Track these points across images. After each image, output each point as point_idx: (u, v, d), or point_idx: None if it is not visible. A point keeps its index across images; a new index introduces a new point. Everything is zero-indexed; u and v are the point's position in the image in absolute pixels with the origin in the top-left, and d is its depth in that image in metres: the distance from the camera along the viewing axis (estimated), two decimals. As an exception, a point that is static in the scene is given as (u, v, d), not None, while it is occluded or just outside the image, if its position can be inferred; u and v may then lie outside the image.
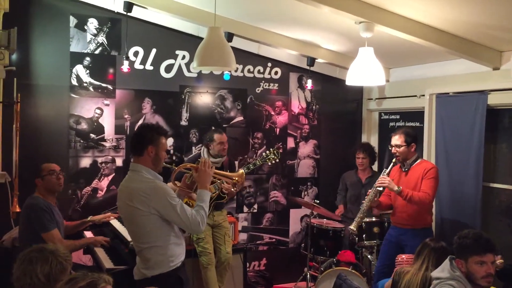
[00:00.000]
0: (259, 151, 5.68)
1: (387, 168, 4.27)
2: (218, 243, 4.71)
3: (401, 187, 4.03)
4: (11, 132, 4.08)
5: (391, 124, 5.84)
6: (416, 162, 4.21)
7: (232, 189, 3.56)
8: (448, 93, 4.84)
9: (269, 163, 4.80)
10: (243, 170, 3.60)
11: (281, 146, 5.82)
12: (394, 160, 4.25)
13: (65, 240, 3.90)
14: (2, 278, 3.56)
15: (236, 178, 3.47)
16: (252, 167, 4.45)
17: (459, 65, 4.74)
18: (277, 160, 4.63)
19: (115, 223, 4.45)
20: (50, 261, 2.27)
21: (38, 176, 3.87)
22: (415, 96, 5.27)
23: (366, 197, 4.27)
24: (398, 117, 5.79)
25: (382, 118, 6.07)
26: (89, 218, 4.42)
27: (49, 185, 3.88)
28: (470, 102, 4.53)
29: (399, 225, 4.24)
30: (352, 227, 4.25)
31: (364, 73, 3.93)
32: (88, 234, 4.56)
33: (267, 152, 4.53)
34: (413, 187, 4.09)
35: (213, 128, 5.09)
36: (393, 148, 4.22)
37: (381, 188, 4.20)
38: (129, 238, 3.66)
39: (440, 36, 4.07)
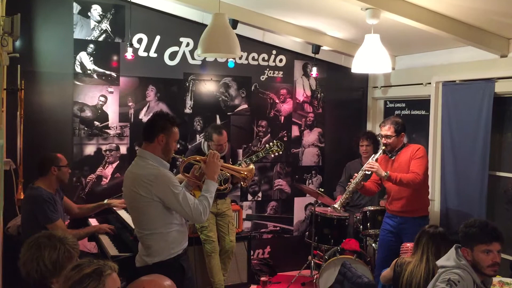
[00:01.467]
0: (264, 139, 5.66)
1: (376, 154, 4.30)
2: (222, 232, 4.71)
3: (388, 172, 4.05)
4: (15, 119, 4.07)
5: (397, 112, 5.80)
6: (403, 148, 4.22)
7: (242, 183, 3.54)
8: (454, 81, 4.80)
9: (272, 155, 4.77)
10: (253, 166, 3.57)
11: (285, 135, 5.79)
12: (383, 147, 4.25)
13: (69, 230, 3.91)
14: (8, 264, 3.58)
15: (246, 173, 3.42)
16: (254, 159, 4.42)
17: (466, 52, 4.68)
18: (280, 153, 4.61)
19: (120, 211, 4.46)
20: (58, 248, 2.27)
21: (54, 165, 3.81)
22: (421, 84, 5.22)
23: (352, 179, 4.29)
24: (403, 105, 5.74)
25: (387, 106, 6.02)
26: (105, 201, 4.42)
27: (62, 177, 3.88)
28: (477, 90, 4.49)
29: (396, 213, 4.23)
30: (337, 205, 4.30)
31: (370, 60, 3.88)
32: (93, 221, 4.58)
33: (270, 144, 4.48)
34: (403, 171, 4.09)
35: (214, 124, 4.93)
36: (383, 138, 4.21)
37: (368, 172, 4.21)
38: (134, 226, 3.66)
39: (447, 23, 4.02)
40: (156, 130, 2.98)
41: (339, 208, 4.33)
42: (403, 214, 4.18)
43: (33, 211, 3.67)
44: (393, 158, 4.25)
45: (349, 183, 4.32)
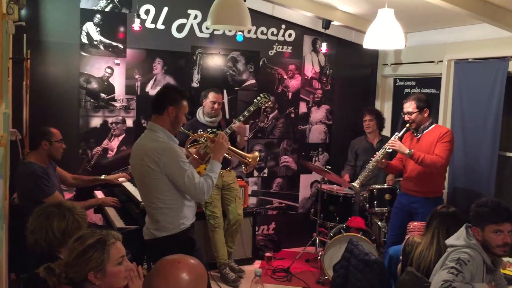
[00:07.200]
0: (271, 116, 5.61)
1: (399, 132, 4.22)
2: (228, 205, 4.71)
3: (412, 150, 3.99)
4: (22, 89, 4.03)
5: (406, 90, 5.71)
6: (430, 128, 4.14)
7: (243, 169, 3.52)
8: (467, 59, 4.70)
9: (263, 107, 4.75)
10: (258, 153, 3.55)
11: (293, 111, 5.73)
12: (407, 125, 4.17)
13: (69, 202, 3.88)
14: (14, 233, 3.58)
15: (250, 160, 3.43)
16: (247, 114, 4.35)
17: (480, 29, 4.57)
18: (269, 103, 4.67)
19: (126, 183, 4.44)
20: (66, 218, 2.28)
21: (45, 140, 3.68)
22: (433, 62, 5.12)
23: (373, 157, 4.24)
24: (413, 83, 5.65)
25: (397, 84, 5.93)
26: (102, 177, 4.39)
27: (54, 152, 3.73)
28: (490, 69, 4.40)
29: (409, 192, 4.19)
30: (355, 184, 4.25)
31: (383, 35, 3.78)
32: (99, 194, 4.57)
33: (258, 98, 4.39)
34: (426, 152, 4.01)
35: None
36: (406, 115, 4.14)
37: (390, 150, 4.15)
38: (140, 199, 3.64)
39: (463, -2, 3.92)
40: (165, 102, 2.95)
41: (358, 187, 4.27)
42: (415, 194, 4.14)
43: (27, 188, 3.56)
44: (418, 137, 4.16)
45: (370, 160, 4.26)
